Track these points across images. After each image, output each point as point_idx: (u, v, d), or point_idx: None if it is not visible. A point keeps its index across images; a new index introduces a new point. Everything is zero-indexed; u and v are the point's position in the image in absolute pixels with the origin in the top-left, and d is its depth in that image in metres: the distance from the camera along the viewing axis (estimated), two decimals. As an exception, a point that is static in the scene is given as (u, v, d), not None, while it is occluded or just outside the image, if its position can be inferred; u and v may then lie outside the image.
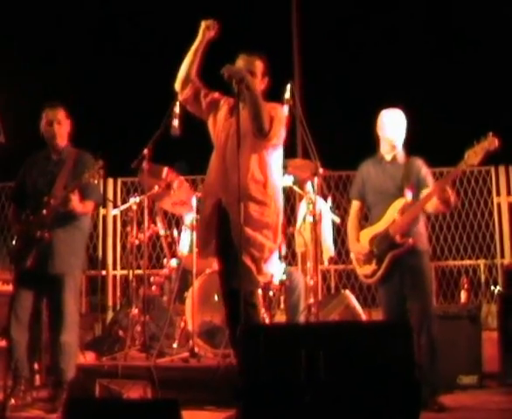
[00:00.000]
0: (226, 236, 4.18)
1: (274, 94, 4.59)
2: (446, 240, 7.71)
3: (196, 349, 5.19)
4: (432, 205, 4.67)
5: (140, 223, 5.94)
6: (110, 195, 7.93)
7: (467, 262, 7.70)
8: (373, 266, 4.77)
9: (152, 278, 6.30)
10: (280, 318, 5.68)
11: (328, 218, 6.07)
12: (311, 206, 5.53)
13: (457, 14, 8.82)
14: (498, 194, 7.65)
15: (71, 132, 4.97)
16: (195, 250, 5.34)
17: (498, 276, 7.44)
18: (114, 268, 8.02)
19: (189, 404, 4.14)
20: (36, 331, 4.84)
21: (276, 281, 5.47)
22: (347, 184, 7.52)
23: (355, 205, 5.03)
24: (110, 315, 7.32)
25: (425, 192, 4.69)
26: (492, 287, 7.26)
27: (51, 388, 4.75)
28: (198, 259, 5.33)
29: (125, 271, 7.52)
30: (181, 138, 5.10)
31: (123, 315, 6.07)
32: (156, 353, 5.20)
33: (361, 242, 4.87)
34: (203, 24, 4.31)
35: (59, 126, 4.89)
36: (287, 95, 5.14)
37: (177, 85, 4.43)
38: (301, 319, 5.71)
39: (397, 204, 4.72)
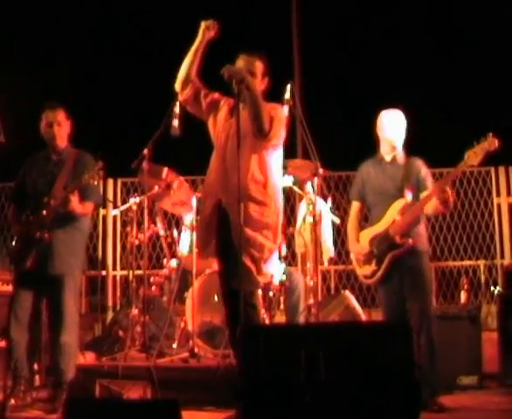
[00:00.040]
0: (226, 236, 4.18)
1: (274, 94, 4.59)
2: (446, 240, 7.71)
3: (195, 349, 5.19)
4: (432, 206, 4.67)
5: (140, 224, 5.94)
6: (110, 195, 7.93)
7: (466, 262, 7.70)
8: (373, 267, 4.78)
9: (152, 279, 6.30)
10: (280, 318, 5.68)
11: (328, 219, 6.06)
12: (311, 206, 5.53)
13: (457, 14, 8.82)
14: (498, 194, 7.65)
15: (71, 133, 4.97)
16: (195, 250, 5.34)
17: (498, 276, 7.44)
18: (114, 268, 8.02)
19: (189, 404, 4.15)
20: (36, 331, 4.85)
21: (276, 281, 5.47)
22: (347, 185, 7.52)
23: (355, 206, 5.03)
24: (110, 315, 7.32)
25: (424, 194, 4.70)
26: (492, 288, 7.26)
27: (50, 389, 4.74)
28: (198, 260, 5.33)
29: (125, 272, 7.52)
30: (181, 138, 5.09)
31: (123, 315, 6.07)
32: (156, 353, 5.20)
33: (361, 242, 4.87)
34: (202, 25, 4.31)
35: (59, 127, 4.89)
36: (287, 95, 5.13)
37: (177, 86, 4.43)
38: (301, 319, 5.71)
39: (397, 205, 4.72)
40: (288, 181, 5.64)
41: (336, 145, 7.78)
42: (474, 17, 8.68)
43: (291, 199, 7.40)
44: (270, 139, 4.18)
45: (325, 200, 6.09)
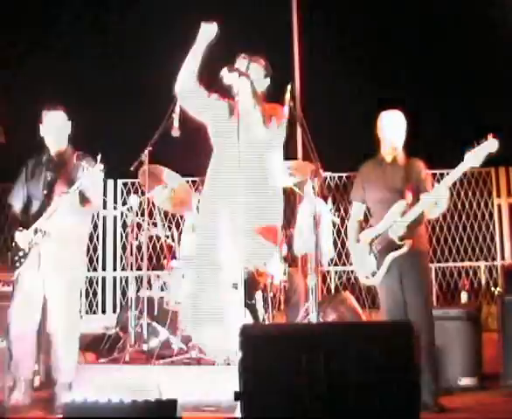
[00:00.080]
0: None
1: (275, 95, 4.59)
2: (447, 241, 7.71)
3: (196, 350, 5.18)
4: (432, 207, 4.66)
5: (140, 225, 5.94)
6: (110, 196, 7.93)
7: (467, 263, 7.70)
8: (373, 267, 4.77)
9: (152, 279, 6.30)
10: (280, 319, 5.67)
11: (328, 220, 6.06)
12: (311, 207, 5.52)
13: (457, 14, 8.82)
14: (498, 195, 7.66)
15: (71, 134, 4.97)
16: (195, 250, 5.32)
17: (498, 277, 7.44)
18: (115, 269, 8.02)
19: (189, 406, 4.14)
20: (36, 332, 4.84)
21: (276, 282, 5.46)
22: (347, 186, 7.53)
23: (355, 207, 5.03)
24: (110, 316, 7.32)
25: (424, 195, 4.69)
26: (492, 288, 7.26)
27: (51, 389, 4.74)
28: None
29: (125, 272, 7.52)
30: (181, 139, 5.09)
31: (123, 316, 6.07)
32: (156, 354, 5.19)
33: (361, 243, 4.87)
34: (202, 26, 4.31)
35: (59, 128, 4.89)
36: (288, 96, 5.13)
37: (177, 87, 4.43)
38: (301, 320, 5.70)
39: (398, 206, 4.72)
40: (288, 181, 5.63)
41: (337, 146, 7.77)
42: (475, 17, 8.68)
43: (291, 200, 7.40)
44: (270, 139, 4.18)
45: (325, 201, 6.08)
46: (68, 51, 9.21)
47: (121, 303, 7.81)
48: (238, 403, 3.12)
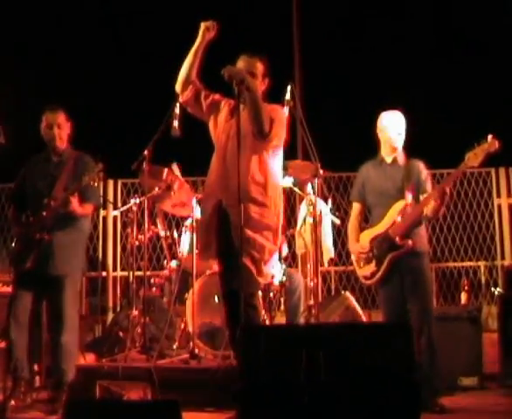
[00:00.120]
0: (226, 237, 4.18)
1: (275, 95, 4.59)
2: (447, 241, 7.71)
3: (196, 350, 5.18)
4: (432, 208, 4.65)
5: (140, 225, 5.93)
6: (110, 196, 7.93)
7: (467, 263, 7.70)
8: (373, 268, 4.77)
9: (152, 280, 6.30)
10: (281, 319, 5.68)
11: (329, 220, 6.06)
12: (311, 207, 5.53)
13: (457, 14, 8.82)
14: (498, 195, 7.66)
15: (71, 134, 4.98)
16: (195, 251, 5.34)
17: (498, 277, 7.44)
18: (115, 269, 8.02)
19: (189, 405, 4.13)
20: (36, 332, 4.84)
21: (276, 282, 5.47)
22: (347, 186, 7.53)
23: (355, 207, 5.04)
24: (110, 316, 7.32)
25: (424, 196, 4.69)
26: (492, 289, 7.26)
27: (51, 390, 4.74)
28: (198, 261, 5.33)
29: (125, 273, 7.52)
30: (181, 139, 5.09)
31: (123, 316, 6.07)
32: (156, 354, 5.20)
33: (361, 243, 4.87)
34: (202, 26, 4.31)
35: (59, 128, 4.89)
36: (288, 96, 5.13)
37: (178, 87, 4.43)
38: (302, 320, 5.71)
39: (398, 206, 4.72)
40: (289, 182, 5.63)
41: (337, 146, 7.77)
42: (474, 17, 8.68)
43: (291, 200, 7.40)
44: (270, 140, 4.18)
45: (325, 201, 6.08)
46: (68, 51, 9.21)
47: (121, 303, 7.80)
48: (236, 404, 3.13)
